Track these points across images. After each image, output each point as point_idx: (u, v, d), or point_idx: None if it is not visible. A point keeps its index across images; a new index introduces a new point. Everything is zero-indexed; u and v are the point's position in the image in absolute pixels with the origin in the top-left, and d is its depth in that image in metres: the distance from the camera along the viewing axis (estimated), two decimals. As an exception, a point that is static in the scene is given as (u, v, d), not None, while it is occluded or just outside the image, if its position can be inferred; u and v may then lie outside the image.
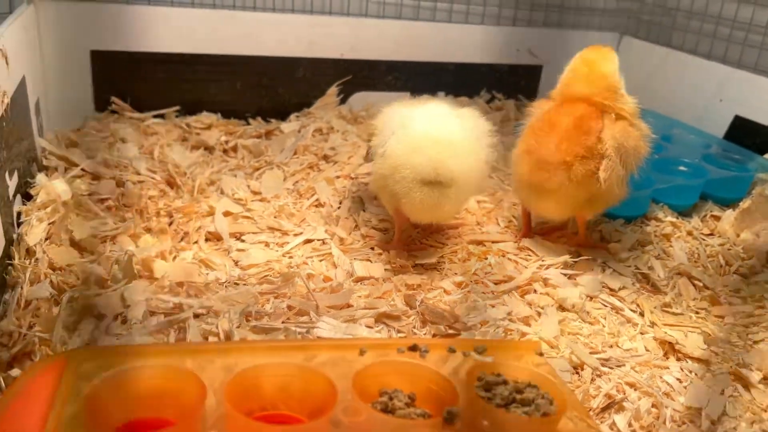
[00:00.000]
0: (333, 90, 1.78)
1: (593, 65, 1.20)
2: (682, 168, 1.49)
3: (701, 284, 1.21)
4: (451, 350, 0.86)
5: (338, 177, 1.46)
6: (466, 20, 1.94)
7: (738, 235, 1.35)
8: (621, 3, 2.10)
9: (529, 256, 1.23)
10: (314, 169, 1.50)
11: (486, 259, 1.19)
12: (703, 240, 1.34)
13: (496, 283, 1.13)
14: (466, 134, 1.11)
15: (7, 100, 1.08)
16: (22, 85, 1.24)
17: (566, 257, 1.20)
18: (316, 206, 1.35)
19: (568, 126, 1.14)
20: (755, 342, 1.05)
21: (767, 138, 1.54)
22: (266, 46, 1.69)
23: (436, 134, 1.08)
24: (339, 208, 1.34)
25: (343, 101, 1.80)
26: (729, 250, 1.32)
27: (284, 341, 0.93)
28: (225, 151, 1.57)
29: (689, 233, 1.35)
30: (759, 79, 1.60)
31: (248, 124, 1.71)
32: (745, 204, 1.37)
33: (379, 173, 1.12)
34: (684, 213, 1.44)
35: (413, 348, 0.85)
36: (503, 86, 1.97)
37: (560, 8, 2.02)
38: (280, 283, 1.06)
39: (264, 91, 1.73)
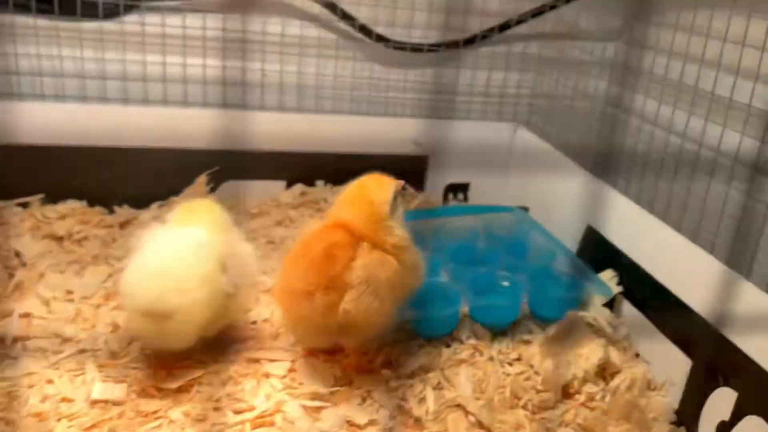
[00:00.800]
0: (202, 179, 1.81)
1: (363, 191, 1.19)
2: (504, 283, 1.43)
3: (475, 420, 1.15)
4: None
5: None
6: (349, 110, 1.96)
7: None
8: (522, 89, 2.07)
9: (292, 380, 1.20)
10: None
11: (241, 383, 1.18)
12: (503, 368, 1.28)
13: (236, 413, 1.11)
14: (199, 264, 1.11)
15: None
16: None
17: (319, 387, 1.16)
18: (116, 309, 1.37)
19: (318, 253, 1.12)
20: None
21: (612, 254, 1.46)
22: (133, 137, 1.74)
23: (160, 266, 1.08)
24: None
25: (213, 190, 1.83)
26: (526, 380, 1.25)
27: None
28: (77, 242, 1.62)
29: (490, 358, 1.29)
30: (607, 188, 1.53)
31: (112, 212, 1.76)
32: (552, 329, 1.31)
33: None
34: (501, 333, 1.38)
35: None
36: (388, 175, 1.96)
37: (452, 94, 2.01)
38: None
39: (131, 180, 1.77)
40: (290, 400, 1.14)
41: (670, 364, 1.25)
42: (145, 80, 1.80)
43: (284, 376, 1.20)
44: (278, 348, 1.28)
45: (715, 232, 1.32)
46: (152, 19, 1.76)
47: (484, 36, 1.96)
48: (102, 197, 1.76)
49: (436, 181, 1.99)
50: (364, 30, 1.87)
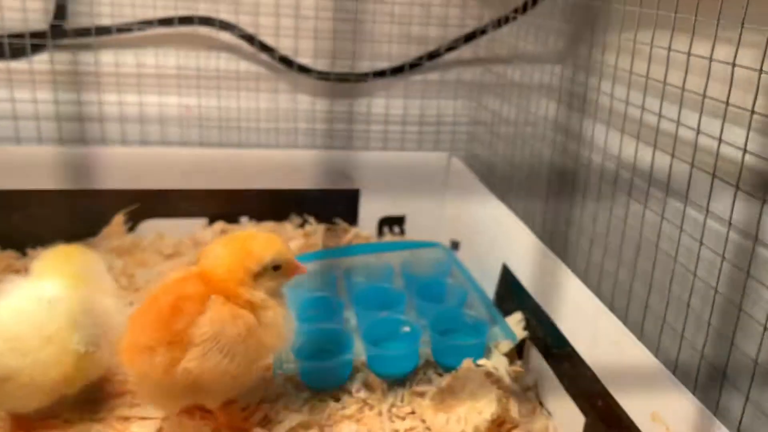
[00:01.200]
0: (119, 218, 1.75)
1: (247, 241, 1.10)
2: (405, 329, 1.34)
3: (349, 485, 1.07)
4: None
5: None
6: (274, 143, 1.90)
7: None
8: (458, 117, 2.00)
9: (157, 442, 1.13)
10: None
11: (97, 447, 1.11)
12: (392, 423, 1.19)
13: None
14: (43, 323, 1.05)
15: None
16: None
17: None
18: None
19: (164, 305, 1.04)
20: None
21: (521, 294, 1.37)
22: (42, 180, 1.69)
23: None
24: None
25: (131, 229, 1.77)
26: (415, 437, 1.17)
27: None
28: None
29: (379, 413, 1.21)
30: (516, 224, 1.44)
31: (25, 255, 1.71)
32: (445, 380, 1.22)
33: None
34: (399, 383, 1.29)
35: None
36: (317, 210, 1.89)
37: (383, 124, 1.94)
38: None
39: (42, 222, 1.72)
40: (144, 466, 1.07)
41: (568, 420, 1.15)
42: (59, 119, 1.76)
43: (146, 438, 1.13)
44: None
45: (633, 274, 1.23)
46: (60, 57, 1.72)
47: (414, 64, 1.89)
48: (15, 240, 1.71)
49: (370, 215, 1.92)
50: (285, 61, 1.82)
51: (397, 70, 1.89)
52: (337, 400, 1.24)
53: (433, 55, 1.88)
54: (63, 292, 1.10)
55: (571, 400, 1.14)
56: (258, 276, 1.07)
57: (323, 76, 1.84)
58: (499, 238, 1.50)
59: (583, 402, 1.11)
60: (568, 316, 1.20)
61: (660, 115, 1.13)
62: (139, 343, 1.01)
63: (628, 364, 0.99)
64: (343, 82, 1.87)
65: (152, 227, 1.79)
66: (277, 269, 1.09)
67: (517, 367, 1.30)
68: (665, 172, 1.13)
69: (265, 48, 1.79)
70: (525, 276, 1.36)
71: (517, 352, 1.36)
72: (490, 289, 1.51)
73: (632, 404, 0.97)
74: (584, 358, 1.11)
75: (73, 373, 1.07)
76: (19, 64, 1.70)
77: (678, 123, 1.08)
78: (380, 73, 1.88)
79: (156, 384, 1.02)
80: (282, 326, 1.08)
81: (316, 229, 1.87)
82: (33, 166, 1.69)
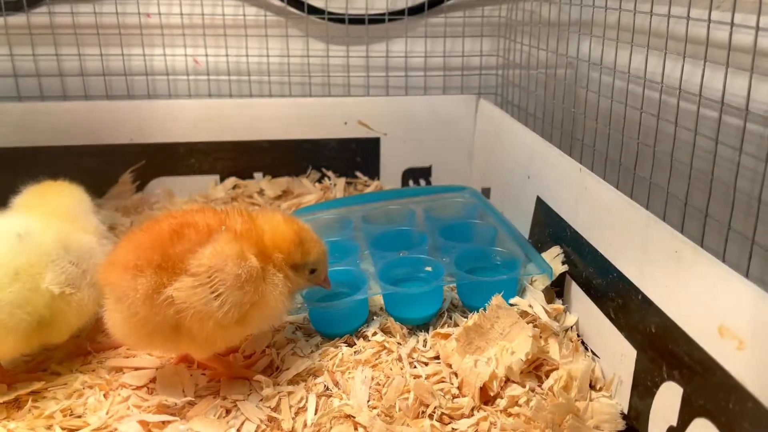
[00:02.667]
0: (126, 177, 1.66)
1: (293, 224, 1.01)
2: (427, 268, 1.19)
3: (365, 433, 0.92)
4: None
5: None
6: (283, 92, 1.77)
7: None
8: (486, 58, 1.84)
9: (148, 391, 1.00)
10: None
11: (83, 396, 0.99)
12: (413, 368, 1.05)
13: (68, 431, 0.93)
14: (11, 257, 0.94)
15: None
16: None
17: (173, 399, 0.96)
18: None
19: (164, 228, 0.91)
20: None
21: (559, 227, 1.21)
22: (44, 136, 1.61)
23: None
24: None
25: (140, 188, 1.68)
26: (439, 383, 1.01)
27: None
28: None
29: (398, 358, 1.06)
30: (554, 152, 1.27)
31: (30, 217, 1.63)
32: (472, 319, 1.06)
33: None
34: (422, 326, 1.15)
35: None
36: (335, 163, 1.76)
37: (405, 69, 1.80)
38: None
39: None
40: (133, 414, 0.95)
41: (618, 357, 0.99)
42: (62, 75, 1.68)
43: (140, 387, 1.01)
44: (148, 354, 1.09)
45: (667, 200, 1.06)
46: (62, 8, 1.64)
47: (434, 2, 1.74)
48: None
49: (393, 167, 1.78)
50: (294, 2, 1.69)
51: (417, 10, 1.74)
52: (351, 345, 1.10)
53: (454, -10, 1.74)
54: (39, 227, 0.99)
55: (619, 332, 0.98)
56: (293, 267, 0.99)
57: (336, 17, 1.71)
58: (535, 172, 1.34)
59: (634, 333, 0.94)
60: (611, 238, 1.03)
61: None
62: (124, 261, 0.89)
63: (689, 276, 0.82)
64: (357, 24, 1.73)
65: (162, 185, 1.69)
66: (312, 272, 1.03)
67: (556, 305, 1.14)
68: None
69: (272, -11, 1.68)
70: (563, 206, 1.20)
71: (557, 293, 1.20)
72: (525, 229, 1.35)
73: (694, 322, 0.80)
74: (633, 281, 0.94)
75: (48, 316, 0.96)
76: (17, 19, 1.62)
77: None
78: (398, 13, 1.74)
79: (131, 312, 0.89)
80: (285, 293, 0.96)
81: (335, 183, 1.74)
82: (36, 123, 1.61)
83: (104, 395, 0.99)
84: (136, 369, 1.06)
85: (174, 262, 0.88)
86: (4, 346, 0.95)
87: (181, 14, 1.68)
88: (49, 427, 0.93)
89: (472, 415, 0.97)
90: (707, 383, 0.76)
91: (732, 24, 0.95)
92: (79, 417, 0.95)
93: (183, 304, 0.88)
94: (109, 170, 1.65)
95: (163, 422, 0.93)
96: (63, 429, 0.92)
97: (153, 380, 1.03)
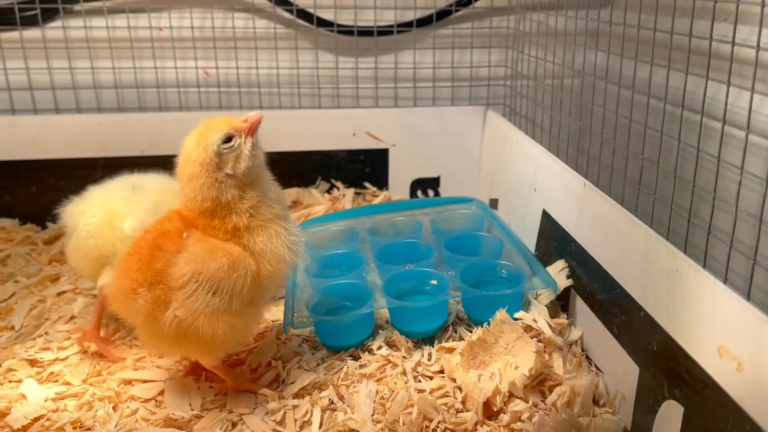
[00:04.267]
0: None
1: (184, 151, 0.98)
2: (433, 282, 1.20)
3: (370, 449, 0.94)
4: None
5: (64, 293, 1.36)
6: (293, 104, 1.79)
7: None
8: (493, 69, 1.85)
9: (156, 404, 1.02)
10: (54, 282, 1.41)
11: (91, 409, 1.01)
12: (417, 383, 1.05)
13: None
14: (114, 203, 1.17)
15: None
16: None
17: (181, 412, 0.98)
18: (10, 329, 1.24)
19: (145, 245, 0.94)
20: None
21: (564, 241, 1.21)
22: (58, 148, 1.64)
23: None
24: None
25: (152, 199, 1.70)
26: (443, 397, 1.02)
27: None
28: (0, 261, 1.53)
29: (403, 372, 1.07)
30: (558, 166, 1.27)
31: (45, 229, 1.66)
32: (477, 333, 1.07)
33: None
34: (428, 340, 1.16)
35: None
36: (344, 173, 1.77)
37: (413, 80, 1.81)
38: None
39: (62, 194, 1.67)
40: (141, 427, 0.96)
41: (620, 372, 0.99)
42: (75, 87, 1.71)
43: (148, 400, 1.03)
44: (157, 367, 1.11)
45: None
46: (76, 23, 1.67)
47: (442, 14, 1.75)
48: (34, 214, 1.66)
49: (401, 177, 1.79)
50: (304, 15, 1.71)
51: (425, 22, 1.76)
52: (357, 359, 1.11)
53: (462, 2, 1.74)
54: (154, 192, 1.17)
55: (623, 349, 0.98)
56: (220, 166, 0.93)
57: (345, 29, 1.72)
58: (541, 185, 1.34)
59: (636, 349, 0.95)
60: (614, 253, 1.03)
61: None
62: (122, 287, 0.92)
63: (690, 295, 0.82)
64: (365, 37, 1.75)
65: (173, 197, 1.71)
66: (229, 141, 0.94)
67: (561, 319, 1.14)
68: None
69: (281, 2, 1.69)
70: (568, 219, 1.20)
71: (561, 307, 1.20)
72: (531, 241, 1.35)
73: (694, 341, 0.80)
74: (635, 297, 0.95)
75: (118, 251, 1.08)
76: (32, 33, 1.66)
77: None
78: (407, 25, 1.75)
79: (146, 331, 0.93)
80: (279, 247, 0.95)
81: (344, 194, 1.75)
82: (50, 136, 1.64)
83: (113, 408, 1.01)
84: (145, 381, 1.08)
85: (161, 276, 0.90)
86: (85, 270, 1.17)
87: (192, 27, 1.71)
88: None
89: (476, 430, 0.98)
90: (707, 403, 0.77)
91: (733, 41, 0.95)
92: (89, 429, 0.97)
93: (190, 317, 0.90)
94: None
95: (169, 436, 0.95)
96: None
97: (161, 393, 1.05)
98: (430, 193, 1.81)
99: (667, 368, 0.85)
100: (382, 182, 1.78)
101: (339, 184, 1.77)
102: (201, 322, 0.90)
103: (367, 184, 1.78)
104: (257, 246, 0.94)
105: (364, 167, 1.78)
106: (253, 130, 0.97)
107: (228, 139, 0.94)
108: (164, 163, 1.68)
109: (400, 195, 1.78)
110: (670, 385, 0.85)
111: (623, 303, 0.98)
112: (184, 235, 0.92)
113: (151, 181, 1.23)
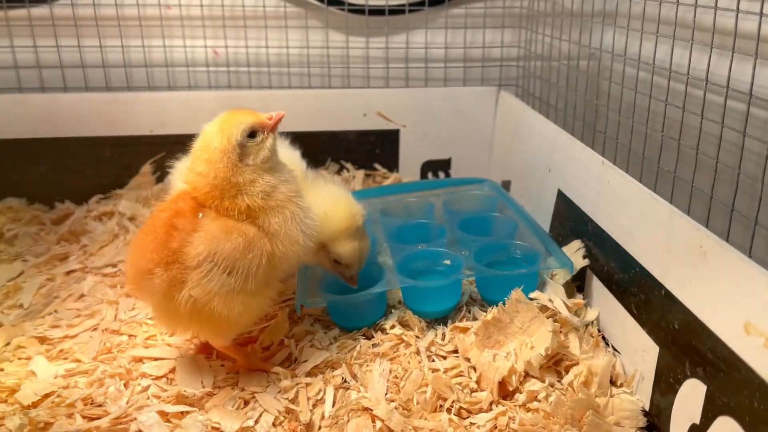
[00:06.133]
0: (147, 168, 1.67)
1: (204, 139, 0.95)
2: (446, 261, 1.19)
3: (382, 425, 0.92)
4: None
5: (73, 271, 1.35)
6: (303, 83, 1.77)
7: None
8: (507, 49, 1.82)
9: (168, 381, 1.01)
10: (63, 261, 1.40)
11: (102, 386, 1.00)
12: (431, 362, 1.04)
13: (89, 419, 0.93)
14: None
15: None
16: None
17: (192, 389, 0.97)
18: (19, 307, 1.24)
19: (160, 225, 0.91)
20: None
21: (580, 221, 1.19)
22: (64, 127, 1.62)
23: None
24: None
25: (160, 179, 1.68)
26: (457, 377, 1.01)
27: None
28: (8, 240, 1.51)
29: (416, 352, 1.06)
30: (575, 145, 1.25)
31: (53, 208, 1.65)
32: (491, 313, 1.05)
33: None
34: (440, 320, 1.14)
35: None
36: (354, 155, 1.75)
37: (425, 60, 1.78)
38: None
39: (70, 174, 1.66)
40: (152, 404, 0.95)
41: (639, 353, 0.97)
42: (84, 66, 1.69)
43: (159, 377, 1.02)
44: (168, 345, 1.10)
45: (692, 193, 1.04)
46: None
47: (455, -8, 1.73)
48: (42, 193, 1.65)
49: (412, 159, 1.77)
50: (314, -7, 1.69)
51: (437, 1, 1.73)
52: (369, 338, 1.10)
53: (475, -20, 1.72)
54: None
55: (641, 328, 0.96)
56: (242, 157, 0.92)
57: (356, 8, 1.70)
58: (557, 165, 1.32)
59: (656, 329, 0.93)
60: (633, 232, 1.01)
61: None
62: (137, 267, 0.91)
63: (714, 272, 0.80)
64: (377, 16, 1.72)
65: (182, 177, 1.69)
66: (254, 136, 0.94)
67: (577, 299, 1.12)
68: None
69: (292, -20, 1.67)
70: (584, 199, 1.18)
71: (577, 288, 1.18)
72: (545, 222, 1.33)
73: (719, 318, 0.79)
74: (656, 276, 0.93)
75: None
76: (40, 11, 1.63)
77: None
78: (419, 4, 1.72)
79: (162, 310, 0.92)
80: (293, 230, 0.94)
81: (354, 176, 1.74)
82: (58, 115, 1.62)
83: (124, 385, 1.00)
84: (156, 359, 1.07)
85: (177, 255, 0.89)
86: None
87: (201, 5, 1.69)
88: (71, 416, 0.94)
89: (491, 409, 0.96)
90: (731, 381, 0.75)
91: (761, 14, 0.92)
92: (100, 406, 0.96)
93: (206, 297, 0.89)
94: (129, 161, 1.66)
95: (182, 413, 0.94)
96: (84, 418, 0.94)
97: (172, 370, 1.04)
98: (441, 175, 1.79)
99: (690, 347, 0.83)
100: (392, 164, 1.76)
101: (349, 165, 1.75)
102: (216, 302, 0.89)
103: (377, 166, 1.76)
104: (272, 227, 0.93)
105: (375, 148, 1.76)
106: (276, 127, 0.97)
107: (253, 134, 0.94)
108: (173, 143, 1.68)
109: (411, 177, 1.76)
110: (692, 364, 0.83)
111: (642, 282, 0.96)
112: (200, 215, 0.90)
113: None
